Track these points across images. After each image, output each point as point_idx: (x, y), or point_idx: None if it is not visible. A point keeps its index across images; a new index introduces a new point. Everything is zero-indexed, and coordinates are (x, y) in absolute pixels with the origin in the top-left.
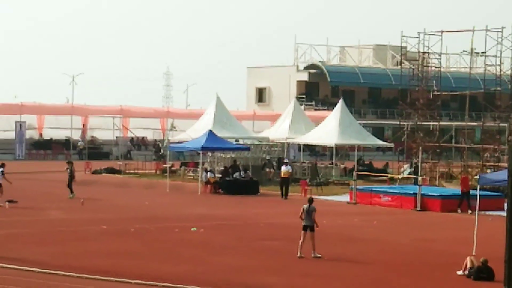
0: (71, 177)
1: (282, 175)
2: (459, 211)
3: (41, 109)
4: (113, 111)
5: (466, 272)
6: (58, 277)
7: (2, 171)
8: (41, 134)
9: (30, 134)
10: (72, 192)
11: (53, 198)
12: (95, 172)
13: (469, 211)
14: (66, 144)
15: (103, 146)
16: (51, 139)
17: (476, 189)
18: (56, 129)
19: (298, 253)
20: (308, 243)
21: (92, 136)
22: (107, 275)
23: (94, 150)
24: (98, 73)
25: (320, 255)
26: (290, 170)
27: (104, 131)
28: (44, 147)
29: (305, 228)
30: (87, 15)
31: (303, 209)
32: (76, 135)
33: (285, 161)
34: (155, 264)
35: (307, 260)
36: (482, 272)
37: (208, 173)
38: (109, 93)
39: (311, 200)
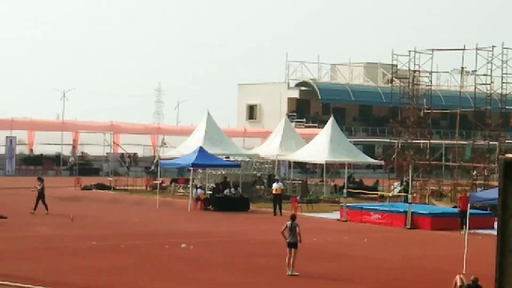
0: (42, 194)
1: (274, 192)
2: (462, 232)
3: (32, 124)
4: (103, 127)
5: None
6: None
7: None
8: (31, 150)
9: (20, 149)
10: (35, 208)
11: (43, 214)
12: (85, 188)
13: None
14: (56, 160)
15: (93, 162)
16: (41, 154)
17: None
18: (46, 144)
19: (288, 271)
20: (291, 260)
21: (83, 152)
22: None
23: (84, 166)
24: (89, 88)
25: (297, 273)
26: (282, 187)
27: (94, 147)
28: (35, 163)
29: (289, 245)
30: (78, 31)
31: (286, 225)
32: (66, 151)
33: (276, 178)
34: (145, 281)
35: (298, 277)
36: None
37: (199, 189)
38: (100, 109)
39: (293, 217)
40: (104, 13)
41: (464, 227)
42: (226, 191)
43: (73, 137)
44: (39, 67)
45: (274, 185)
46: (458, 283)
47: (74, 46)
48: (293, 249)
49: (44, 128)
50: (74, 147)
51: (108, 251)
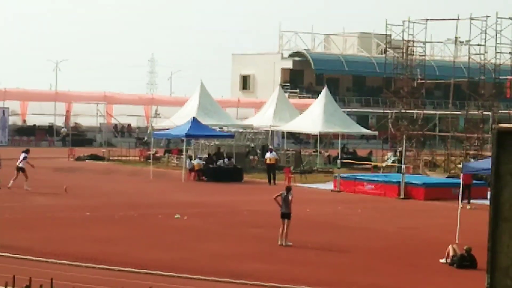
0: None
1: (268, 162)
2: (461, 204)
3: (25, 95)
4: (97, 97)
5: (449, 260)
6: (41, 263)
7: (25, 156)
8: (24, 121)
9: (13, 120)
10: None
11: (37, 184)
12: (78, 159)
13: (468, 206)
14: (49, 131)
15: (87, 133)
16: (34, 125)
17: (460, 178)
18: (39, 115)
19: (279, 241)
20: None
21: (76, 123)
22: (91, 262)
23: (78, 137)
24: (82, 59)
25: (291, 244)
26: (276, 157)
27: (87, 117)
28: (28, 134)
29: (283, 216)
30: (71, 2)
31: (281, 194)
32: (59, 122)
33: (270, 147)
34: (138, 251)
35: (292, 248)
36: (465, 260)
37: (196, 159)
38: (93, 80)
39: (289, 188)
40: None
41: (466, 200)
42: (220, 162)
43: (66, 108)
44: (32, 37)
45: (268, 155)
46: (451, 253)
47: (67, 16)
48: (286, 220)
49: (37, 98)
50: (67, 118)
51: (102, 221)
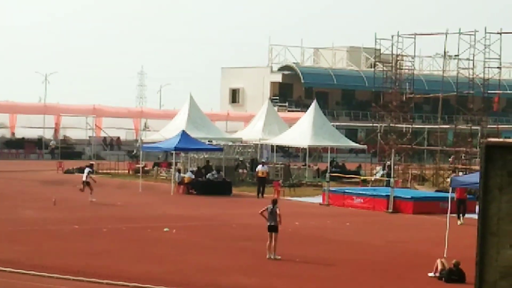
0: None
1: (259, 175)
2: (459, 222)
3: (14, 107)
4: (86, 110)
5: (437, 274)
6: (30, 276)
7: (89, 171)
8: (13, 133)
9: (2, 132)
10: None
11: (26, 197)
12: (67, 172)
13: (459, 222)
14: (38, 143)
15: (76, 146)
16: (23, 138)
17: (448, 192)
18: (28, 128)
19: (267, 255)
20: (271, 244)
21: (65, 136)
22: (79, 275)
23: (67, 150)
24: (71, 72)
25: (279, 257)
26: (267, 170)
27: (77, 130)
28: (16, 146)
29: (270, 229)
30: (60, 13)
31: (267, 208)
32: (48, 134)
33: (262, 161)
34: (127, 264)
35: (280, 261)
36: (454, 274)
37: (188, 172)
38: (82, 93)
39: (275, 202)
40: None
41: (460, 216)
42: (209, 175)
43: (55, 121)
44: (21, 50)
45: (260, 168)
46: (440, 267)
47: (57, 29)
48: (273, 233)
49: (26, 111)
50: (56, 131)
51: (90, 234)
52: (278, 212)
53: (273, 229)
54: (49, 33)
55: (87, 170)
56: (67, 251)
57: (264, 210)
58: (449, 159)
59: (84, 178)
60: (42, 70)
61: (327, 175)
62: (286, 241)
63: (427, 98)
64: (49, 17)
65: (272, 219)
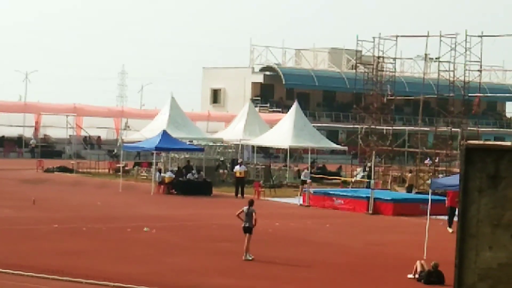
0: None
1: (237, 175)
2: (450, 230)
3: None
4: (66, 109)
5: (417, 276)
6: (8, 275)
7: None
8: None
9: None
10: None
11: (4, 196)
12: (47, 171)
13: (451, 229)
14: (18, 142)
15: (56, 145)
16: (3, 136)
17: (428, 194)
18: (8, 126)
19: (244, 256)
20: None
21: (45, 134)
22: (58, 275)
23: (47, 149)
24: (52, 71)
25: (251, 258)
26: (245, 170)
27: (57, 129)
28: None
29: (245, 230)
30: (41, 12)
31: (243, 210)
32: (28, 133)
33: (240, 161)
34: (106, 264)
35: (259, 262)
36: (432, 276)
37: (168, 172)
38: (63, 91)
39: (251, 202)
40: None
41: (451, 225)
42: (189, 175)
43: (35, 119)
44: (2, 48)
45: (237, 168)
46: (419, 269)
47: (38, 27)
48: (248, 234)
49: (6, 109)
50: (36, 129)
51: (69, 234)
52: (254, 216)
53: (247, 230)
54: (30, 32)
55: None
56: (46, 250)
57: (240, 212)
58: (425, 162)
59: None
60: (23, 69)
61: (308, 176)
62: (265, 242)
63: (408, 100)
64: (30, 16)
65: (247, 220)
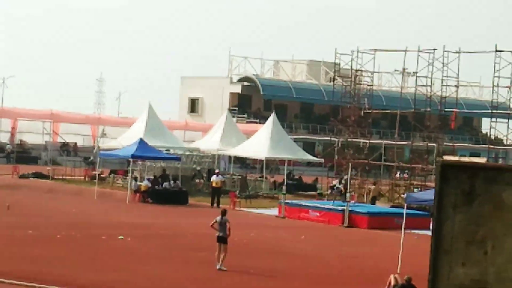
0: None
1: (214, 185)
2: None
3: None
4: (43, 115)
5: None
6: None
7: None
8: None
9: None
10: None
11: None
12: (22, 176)
13: None
14: None
15: (32, 151)
16: None
17: (403, 208)
18: None
19: (217, 265)
20: (220, 254)
21: (21, 140)
22: (32, 281)
23: (23, 154)
24: (29, 76)
25: (225, 269)
26: (222, 179)
27: (33, 135)
28: None
29: (218, 239)
30: (19, 17)
31: (216, 220)
32: (4, 138)
33: (216, 171)
34: (80, 271)
35: (234, 272)
36: None
37: (145, 181)
38: (40, 97)
39: (224, 212)
40: (47, 0)
41: None
42: (165, 184)
43: (11, 125)
44: None
45: (214, 178)
46: (393, 282)
47: (15, 32)
48: (222, 244)
49: None
50: (12, 135)
51: (43, 240)
52: (228, 226)
53: (221, 240)
54: (7, 37)
55: None
56: (18, 256)
57: (214, 222)
58: (397, 175)
59: None
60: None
61: (284, 187)
62: (240, 252)
63: (385, 114)
64: (7, 20)
65: (221, 230)
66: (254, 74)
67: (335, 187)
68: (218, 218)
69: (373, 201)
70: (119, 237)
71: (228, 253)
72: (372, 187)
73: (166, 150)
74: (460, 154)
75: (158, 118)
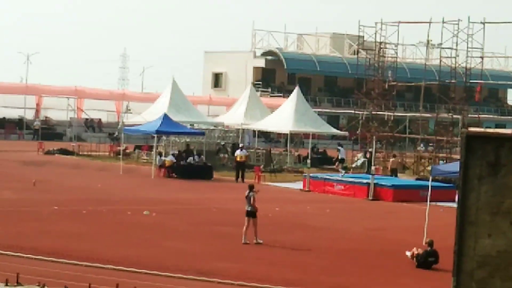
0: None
1: (238, 159)
2: None
3: None
4: (67, 91)
5: (414, 260)
6: (7, 257)
7: None
8: None
9: None
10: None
11: (5, 178)
12: (48, 153)
13: None
14: (19, 124)
15: (57, 127)
16: (4, 118)
17: (428, 180)
18: (9, 108)
19: (243, 240)
20: (251, 229)
21: (46, 117)
22: (57, 257)
23: (48, 131)
24: (53, 53)
25: (261, 241)
26: (246, 154)
27: (58, 111)
28: None
29: (247, 214)
30: None
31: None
32: (29, 115)
33: (240, 145)
34: (106, 247)
35: (259, 246)
36: (430, 255)
37: (169, 156)
38: (64, 74)
39: (251, 187)
40: None
41: None
42: (190, 159)
43: (36, 101)
44: (4, 30)
45: (238, 152)
46: (415, 252)
47: (40, 9)
48: (251, 218)
49: (7, 91)
50: (37, 111)
51: (69, 216)
52: (252, 201)
53: (250, 214)
54: (32, 14)
55: None
56: (46, 232)
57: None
58: (419, 148)
59: None
60: (24, 51)
61: (308, 161)
62: (266, 226)
63: (409, 86)
64: None
65: (248, 204)
66: (277, 48)
67: (338, 160)
68: (246, 192)
69: (392, 173)
70: (144, 212)
71: (257, 226)
72: (392, 159)
73: (190, 125)
74: (485, 126)
75: (182, 93)
